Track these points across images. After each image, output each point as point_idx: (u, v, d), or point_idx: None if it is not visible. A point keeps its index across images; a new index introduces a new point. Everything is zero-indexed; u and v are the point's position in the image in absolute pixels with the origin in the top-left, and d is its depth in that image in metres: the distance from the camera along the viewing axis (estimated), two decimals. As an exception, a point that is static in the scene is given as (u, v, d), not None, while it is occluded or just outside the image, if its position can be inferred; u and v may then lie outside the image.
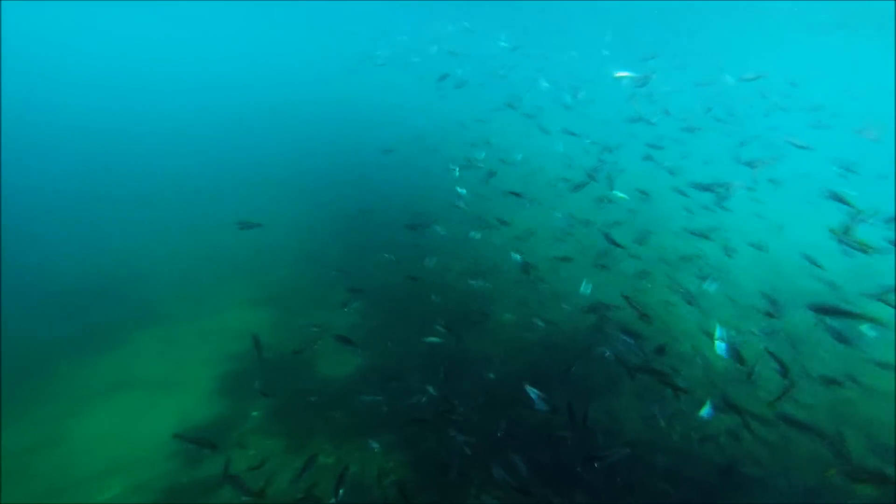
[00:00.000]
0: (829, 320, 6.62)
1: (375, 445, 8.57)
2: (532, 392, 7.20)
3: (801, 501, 7.23)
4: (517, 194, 10.17)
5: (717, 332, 6.59)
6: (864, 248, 5.96)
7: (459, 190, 12.00)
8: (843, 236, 6.02)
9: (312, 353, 11.08)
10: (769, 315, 8.93)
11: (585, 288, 9.10)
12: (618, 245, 8.02)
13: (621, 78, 11.80)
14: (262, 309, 13.66)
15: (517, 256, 10.45)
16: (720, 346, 6.56)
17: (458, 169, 12.13)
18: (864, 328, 8.18)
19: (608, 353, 6.71)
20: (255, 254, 17.34)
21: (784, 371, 6.18)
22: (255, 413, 9.67)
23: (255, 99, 50.05)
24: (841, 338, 7.40)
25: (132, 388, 10.96)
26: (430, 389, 7.69)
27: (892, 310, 6.17)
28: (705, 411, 5.55)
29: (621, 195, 11.57)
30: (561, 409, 7.59)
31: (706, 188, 8.57)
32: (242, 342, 12.15)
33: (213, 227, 20.17)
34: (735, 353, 6.20)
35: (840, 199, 8.91)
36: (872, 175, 11.01)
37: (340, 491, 6.38)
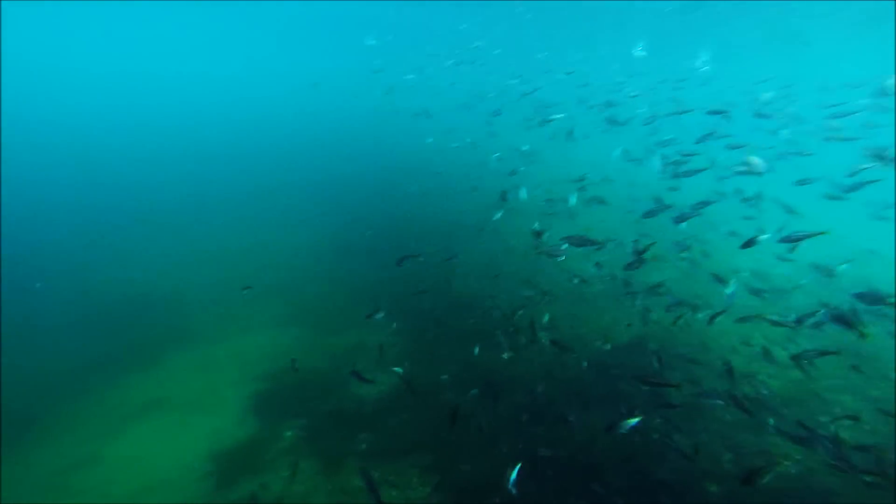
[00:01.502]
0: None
1: (413, 467, 8.36)
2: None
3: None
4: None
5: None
6: None
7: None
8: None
9: (347, 372, 11.00)
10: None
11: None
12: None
13: None
14: (292, 328, 13.70)
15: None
16: None
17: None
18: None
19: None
20: (285, 274, 17.54)
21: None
22: (288, 433, 9.57)
23: (268, 114, 51.37)
24: None
25: (166, 408, 11.01)
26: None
27: None
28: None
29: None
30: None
31: None
32: (273, 362, 12.16)
33: (241, 247, 20.56)
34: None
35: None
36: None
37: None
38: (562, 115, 12.41)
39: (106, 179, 31.60)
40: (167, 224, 24.17)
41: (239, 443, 9.56)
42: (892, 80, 10.50)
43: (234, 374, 11.90)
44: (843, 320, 6.63)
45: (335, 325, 13.48)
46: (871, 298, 6.74)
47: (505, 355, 8.28)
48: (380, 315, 9.13)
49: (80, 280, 18.42)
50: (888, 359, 11.29)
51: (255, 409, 10.45)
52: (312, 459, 8.88)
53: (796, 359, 7.14)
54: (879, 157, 7.28)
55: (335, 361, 11.68)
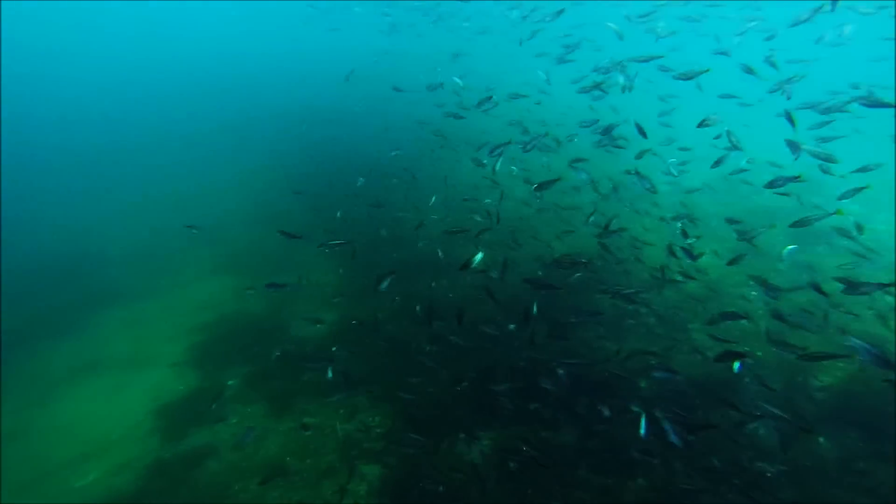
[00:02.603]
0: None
1: (361, 399, 8.55)
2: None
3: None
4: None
5: None
6: None
7: None
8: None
9: (285, 315, 10.78)
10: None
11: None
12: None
13: None
14: (227, 276, 13.11)
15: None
16: None
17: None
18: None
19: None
20: (214, 220, 16.51)
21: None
22: (231, 382, 9.43)
23: (201, 71, 46.52)
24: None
25: (99, 369, 10.49)
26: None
27: None
28: None
29: None
30: None
31: None
32: (208, 312, 11.72)
33: (167, 197, 19.04)
34: None
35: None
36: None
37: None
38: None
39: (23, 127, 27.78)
40: (85, 175, 21.85)
41: (181, 396, 9.35)
42: None
43: (169, 329, 11.40)
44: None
45: (270, 269, 13.00)
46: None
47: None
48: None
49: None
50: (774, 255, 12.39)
51: (193, 362, 10.15)
52: (259, 404, 8.87)
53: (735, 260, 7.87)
54: None
55: (273, 306, 11.38)
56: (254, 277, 12.74)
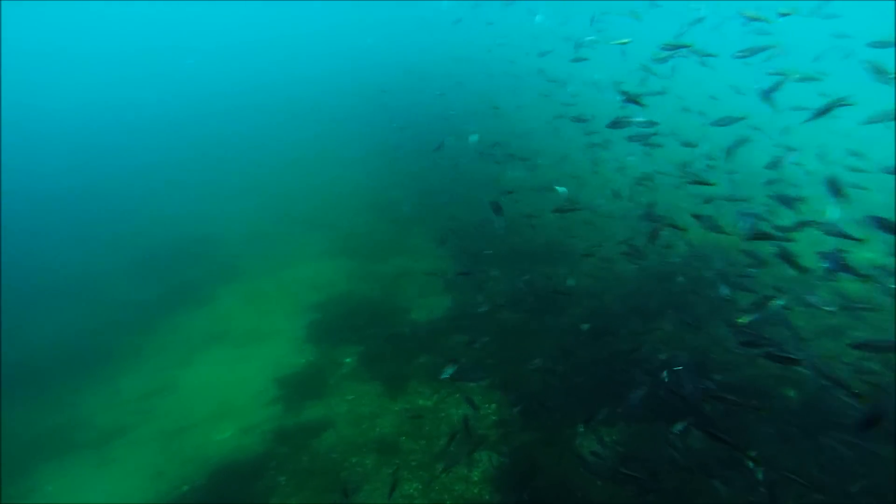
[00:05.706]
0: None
1: (473, 386, 8.47)
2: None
3: None
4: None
5: None
6: None
7: None
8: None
9: (400, 298, 11.03)
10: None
11: None
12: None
13: None
14: (338, 259, 13.70)
15: None
16: None
17: None
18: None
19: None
20: (325, 205, 17.40)
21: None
22: (347, 360, 9.79)
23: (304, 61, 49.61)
24: None
25: (227, 340, 11.39)
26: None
27: None
28: None
29: None
30: None
31: None
32: (322, 292, 12.30)
33: (279, 182, 20.41)
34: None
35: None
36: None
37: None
38: None
39: (138, 122, 31.67)
40: (200, 162, 24.17)
41: (300, 370, 9.86)
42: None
43: (287, 306, 12.11)
44: None
45: (379, 253, 13.40)
46: None
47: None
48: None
49: (125, 225, 18.85)
50: None
51: (311, 338, 10.68)
52: (374, 383, 9.10)
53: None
54: None
55: (384, 289, 11.69)
56: (365, 260, 13.22)
